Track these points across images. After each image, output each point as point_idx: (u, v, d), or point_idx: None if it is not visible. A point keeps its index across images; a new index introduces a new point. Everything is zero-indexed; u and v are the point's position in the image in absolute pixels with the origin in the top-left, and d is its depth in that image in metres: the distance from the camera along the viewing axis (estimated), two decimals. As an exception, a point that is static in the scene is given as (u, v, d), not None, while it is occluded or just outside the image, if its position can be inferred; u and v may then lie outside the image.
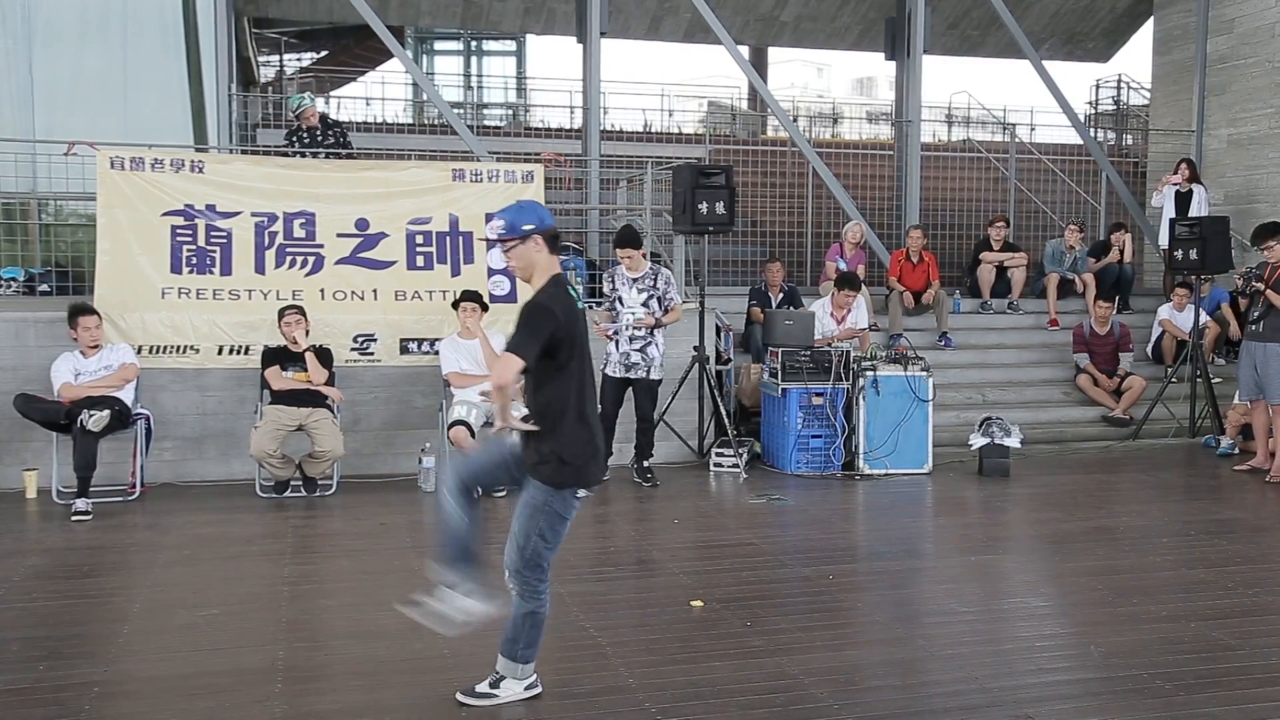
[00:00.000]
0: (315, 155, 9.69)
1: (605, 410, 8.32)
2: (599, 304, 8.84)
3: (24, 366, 8.11)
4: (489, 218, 8.76)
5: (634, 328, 8.20)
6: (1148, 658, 4.64)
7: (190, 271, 8.46)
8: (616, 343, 8.26)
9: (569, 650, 4.77)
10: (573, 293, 4.06)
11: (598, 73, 12.06)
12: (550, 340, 3.92)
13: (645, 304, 8.25)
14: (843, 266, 11.36)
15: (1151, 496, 8.37)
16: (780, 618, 5.19)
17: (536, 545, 4.07)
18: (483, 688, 4.18)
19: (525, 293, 9.26)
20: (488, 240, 4.27)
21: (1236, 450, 9.57)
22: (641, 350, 8.22)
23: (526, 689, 4.21)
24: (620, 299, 8.28)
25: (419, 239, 8.90)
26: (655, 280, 8.30)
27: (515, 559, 4.07)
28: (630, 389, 8.31)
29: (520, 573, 4.08)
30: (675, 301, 8.41)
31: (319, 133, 9.96)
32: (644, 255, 8.42)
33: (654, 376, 8.28)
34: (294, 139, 10.00)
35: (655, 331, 8.29)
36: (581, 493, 4.09)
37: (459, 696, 4.18)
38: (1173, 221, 11.28)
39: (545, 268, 4.09)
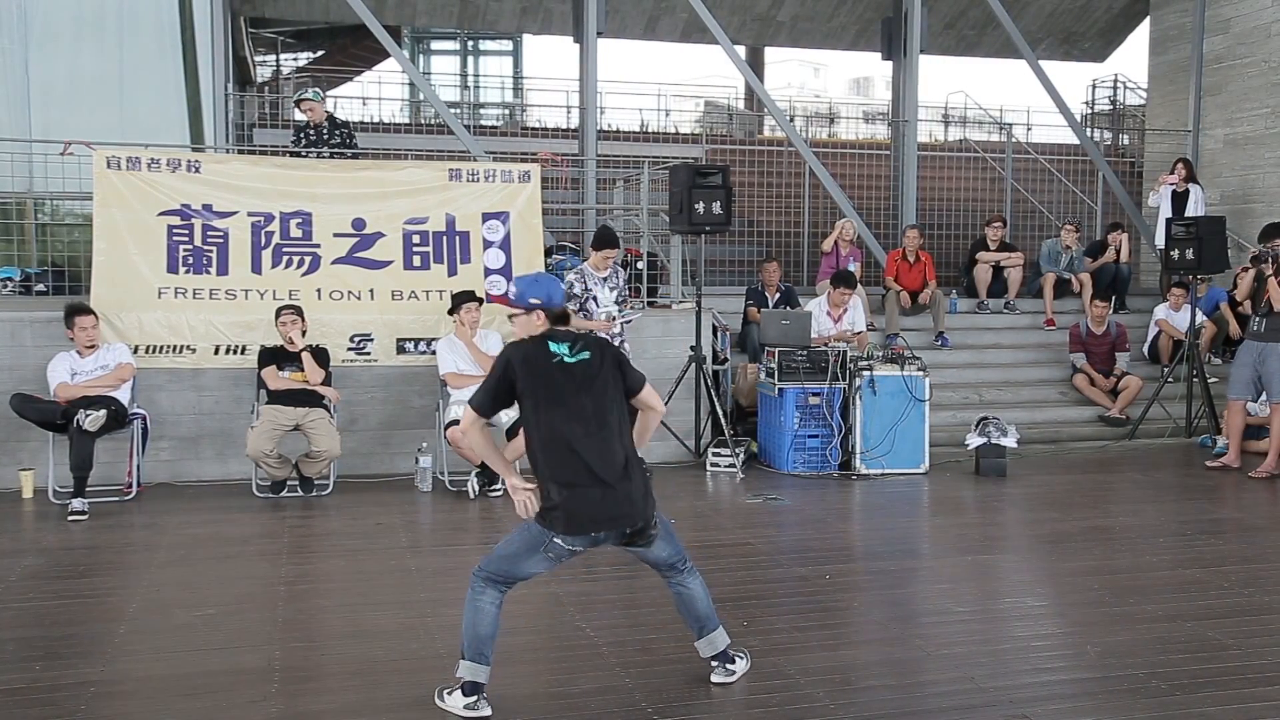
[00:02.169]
0: (321, 155, 9.68)
1: None
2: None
3: (20, 366, 8.10)
4: (485, 218, 8.93)
5: (622, 322, 8.50)
6: (1144, 657, 4.65)
7: (187, 271, 8.45)
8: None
9: (564, 650, 4.77)
10: (557, 350, 4.14)
11: (594, 72, 12.05)
12: (506, 388, 4.12)
13: (616, 301, 8.52)
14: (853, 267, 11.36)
15: (1147, 496, 8.38)
16: (776, 618, 5.20)
17: (501, 547, 4.19)
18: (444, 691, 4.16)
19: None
20: (489, 296, 4.44)
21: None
22: (619, 347, 8.33)
23: (465, 706, 4.04)
24: (595, 298, 8.44)
25: (415, 239, 8.89)
26: (619, 278, 8.65)
27: (493, 551, 4.22)
28: None
29: (484, 562, 4.18)
30: (627, 298, 8.86)
31: (325, 131, 9.95)
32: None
33: None
34: (300, 136, 9.99)
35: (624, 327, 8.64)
36: (558, 540, 4.05)
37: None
38: (1169, 221, 11.29)
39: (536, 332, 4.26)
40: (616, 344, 8.28)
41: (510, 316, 4.35)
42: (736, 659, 4.40)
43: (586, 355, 4.16)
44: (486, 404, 4.15)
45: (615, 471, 4.08)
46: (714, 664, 4.36)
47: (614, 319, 8.44)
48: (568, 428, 4.06)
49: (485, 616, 4.09)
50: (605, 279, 8.52)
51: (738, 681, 4.35)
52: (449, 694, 4.11)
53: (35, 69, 11.77)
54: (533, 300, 4.23)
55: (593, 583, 5.84)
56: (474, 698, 4.05)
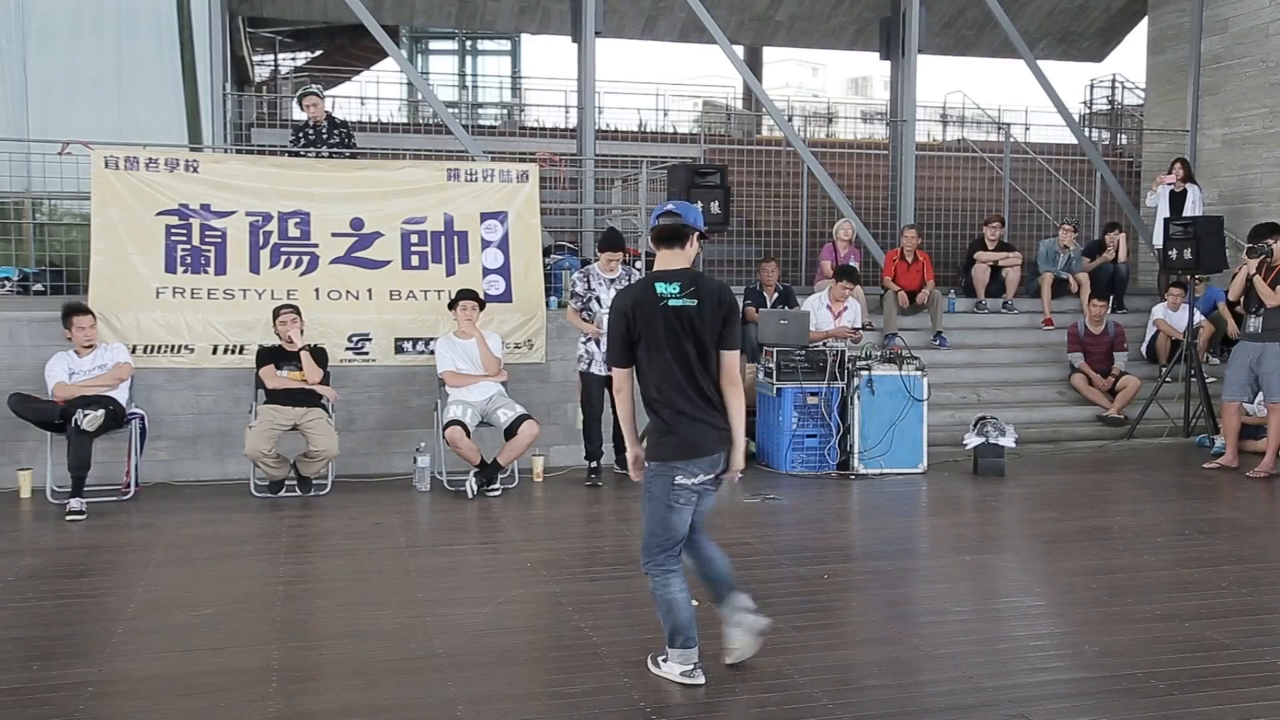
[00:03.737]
0: (319, 155, 9.69)
1: (594, 410, 8.37)
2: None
3: (18, 366, 8.10)
4: (484, 217, 8.92)
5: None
6: (1142, 657, 4.65)
7: (185, 271, 8.45)
8: (598, 342, 8.29)
9: (563, 650, 4.77)
10: (664, 291, 4.23)
11: (593, 72, 12.05)
12: (629, 335, 4.24)
13: None
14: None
15: (1146, 496, 8.39)
16: (775, 617, 5.17)
17: (650, 536, 4.34)
18: (659, 658, 4.42)
19: (520, 292, 9.40)
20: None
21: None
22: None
23: (681, 674, 4.30)
24: (598, 299, 8.36)
25: (414, 238, 8.89)
26: (630, 280, 8.43)
27: (642, 545, 4.40)
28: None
29: (645, 559, 4.37)
30: None
31: (325, 130, 9.95)
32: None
33: None
34: (299, 136, 10.00)
35: None
36: (680, 478, 4.22)
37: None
38: (1167, 221, 11.29)
39: (657, 262, 4.37)
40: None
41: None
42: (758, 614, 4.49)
43: (694, 302, 4.23)
44: (623, 355, 4.27)
45: (713, 409, 4.26)
46: (742, 613, 4.46)
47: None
48: (676, 369, 4.21)
49: (678, 605, 4.29)
50: (613, 280, 8.39)
51: (745, 660, 4.46)
52: (664, 661, 4.36)
53: (33, 69, 11.76)
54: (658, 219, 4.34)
55: (592, 583, 5.84)
56: (690, 666, 4.29)
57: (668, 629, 4.33)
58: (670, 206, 4.36)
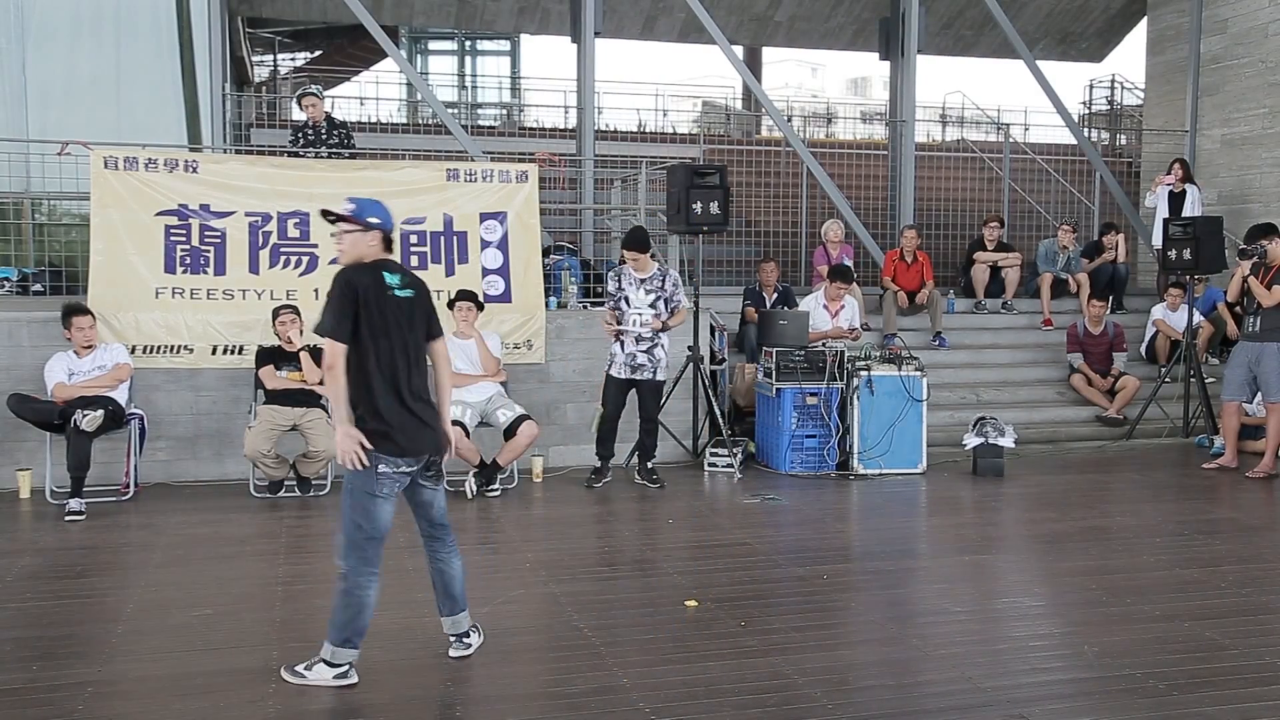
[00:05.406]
0: (319, 155, 9.68)
1: (609, 411, 8.28)
2: (595, 303, 8.80)
3: (17, 366, 8.10)
4: (483, 218, 8.91)
5: (642, 327, 8.16)
6: (1141, 657, 4.65)
7: (184, 271, 8.46)
8: (622, 344, 8.19)
9: (562, 650, 4.77)
10: (390, 281, 4.27)
11: (592, 72, 12.06)
12: (353, 311, 4.16)
13: (653, 305, 8.18)
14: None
15: (1145, 496, 8.39)
16: (774, 617, 5.20)
17: (352, 531, 4.25)
18: (300, 668, 4.34)
19: (520, 293, 9.34)
20: (328, 212, 4.43)
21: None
22: (648, 352, 8.16)
23: (335, 677, 4.28)
24: (626, 299, 8.20)
25: (413, 239, 8.89)
26: (663, 282, 8.22)
27: (341, 543, 4.30)
28: (634, 390, 8.27)
29: (345, 557, 4.27)
30: (681, 303, 8.40)
31: (324, 131, 9.95)
32: (650, 257, 8.36)
33: (659, 377, 8.26)
34: (298, 136, 10.00)
35: (661, 333, 8.24)
36: (384, 467, 4.20)
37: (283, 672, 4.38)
38: (1166, 221, 11.30)
39: (370, 258, 4.32)
40: (652, 346, 8.18)
41: (338, 234, 4.37)
42: (473, 634, 4.58)
43: (411, 293, 4.33)
44: (344, 329, 4.17)
45: (429, 404, 4.36)
46: (453, 639, 4.54)
47: (635, 335, 8.13)
48: (398, 359, 4.24)
49: (368, 609, 4.28)
50: (643, 281, 8.16)
51: (474, 655, 4.54)
52: (307, 668, 4.30)
53: (32, 69, 11.76)
54: (372, 219, 4.33)
55: (591, 582, 5.85)
56: (345, 666, 4.28)
57: (342, 630, 4.25)
58: (364, 212, 4.37)
